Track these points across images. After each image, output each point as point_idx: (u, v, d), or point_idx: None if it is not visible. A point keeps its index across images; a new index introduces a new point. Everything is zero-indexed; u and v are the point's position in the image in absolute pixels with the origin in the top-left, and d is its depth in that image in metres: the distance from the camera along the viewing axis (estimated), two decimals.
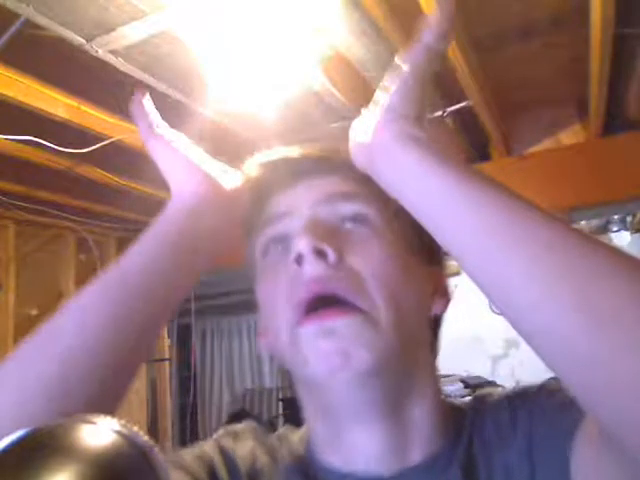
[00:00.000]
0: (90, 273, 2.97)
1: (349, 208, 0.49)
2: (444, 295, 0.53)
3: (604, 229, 4.56)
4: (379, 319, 0.45)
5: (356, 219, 0.49)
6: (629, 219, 4.29)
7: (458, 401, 0.56)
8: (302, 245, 0.45)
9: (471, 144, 2.35)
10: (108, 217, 2.77)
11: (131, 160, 2.08)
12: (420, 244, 0.51)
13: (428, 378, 0.51)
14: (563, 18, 1.64)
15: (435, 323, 0.53)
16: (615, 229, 4.31)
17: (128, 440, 0.30)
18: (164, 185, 0.54)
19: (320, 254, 0.45)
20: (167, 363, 3.43)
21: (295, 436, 0.56)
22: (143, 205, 2.64)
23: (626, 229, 4.32)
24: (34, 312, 2.96)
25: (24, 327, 2.79)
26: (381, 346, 0.44)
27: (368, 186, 0.49)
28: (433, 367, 0.53)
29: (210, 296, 3.73)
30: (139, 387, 3.08)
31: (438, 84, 1.80)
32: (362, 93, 1.71)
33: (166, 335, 3.47)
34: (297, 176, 0.52)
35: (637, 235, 4.65)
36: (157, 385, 3.43)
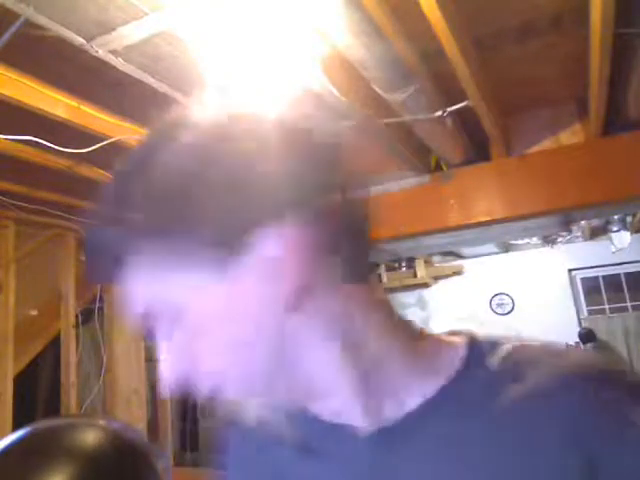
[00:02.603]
0: None
1: None
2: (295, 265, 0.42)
3: (604, 229, 4.56)
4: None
5: None
6: (629, 219, 4.29)
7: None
8: None
9: (471, 144, 2.35)
10: None
11: None
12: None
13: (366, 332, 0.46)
14: (563, 18, 1.64)
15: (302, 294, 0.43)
16: (615, 229, 4.30)
17: (126, 440, 0.30)
18: None
19: None
20: None
21: None
22: None
23: (626, 229, 4.32)
24: (34, 312, 2.97)
25: (24, 327, 2.79)
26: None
27: None
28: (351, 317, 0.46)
29: None
30: (139, 387, 3.08)
31: (438, 84, 1.80)
32: (362, 93, 1.71)
33: None
34: None
35: (637, 235, 4.65)
36: (157, 385, 3.43)
